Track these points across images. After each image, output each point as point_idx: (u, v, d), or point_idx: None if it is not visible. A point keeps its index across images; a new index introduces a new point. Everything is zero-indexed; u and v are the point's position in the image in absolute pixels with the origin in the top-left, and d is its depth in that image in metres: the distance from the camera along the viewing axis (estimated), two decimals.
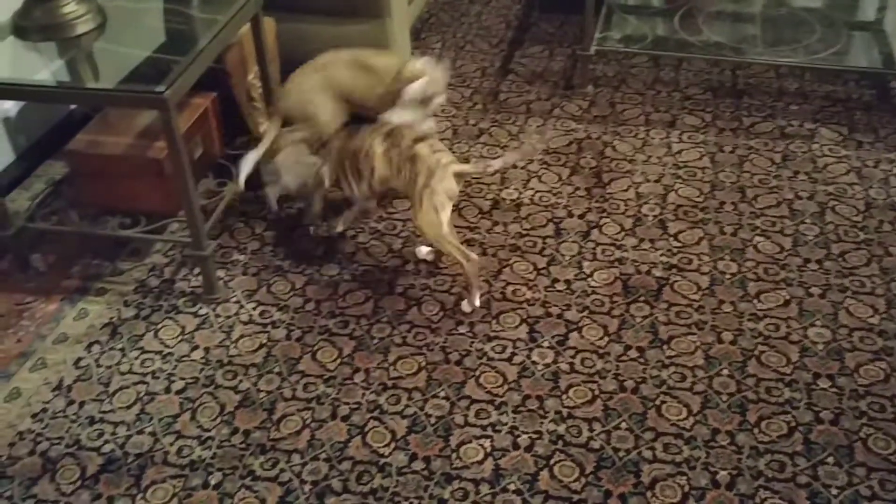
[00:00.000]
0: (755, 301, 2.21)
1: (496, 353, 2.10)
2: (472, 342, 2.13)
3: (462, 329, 2.16)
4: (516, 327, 2.16)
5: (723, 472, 1.81)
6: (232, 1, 2.27)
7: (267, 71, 2.52)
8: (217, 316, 2.23)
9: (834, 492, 1.76)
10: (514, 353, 2.09)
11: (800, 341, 2.10)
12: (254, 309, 2.25)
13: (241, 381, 2.05)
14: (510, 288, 2.28)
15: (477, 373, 2.05)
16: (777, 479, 1.79)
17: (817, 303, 2.20)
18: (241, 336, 2.17)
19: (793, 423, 1.90)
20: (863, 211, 2.49)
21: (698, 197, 2.57)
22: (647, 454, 1.85)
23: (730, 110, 2.96)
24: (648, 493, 1.77)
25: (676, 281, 2.28)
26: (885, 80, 3.09)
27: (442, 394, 2.00)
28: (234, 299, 2.28)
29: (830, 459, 1.82)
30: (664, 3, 3.53)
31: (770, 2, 3.48)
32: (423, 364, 2.08)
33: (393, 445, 1.89)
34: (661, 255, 2.37)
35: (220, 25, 2.20)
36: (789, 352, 2.07)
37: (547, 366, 2.06)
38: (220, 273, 2.35)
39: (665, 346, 2.10)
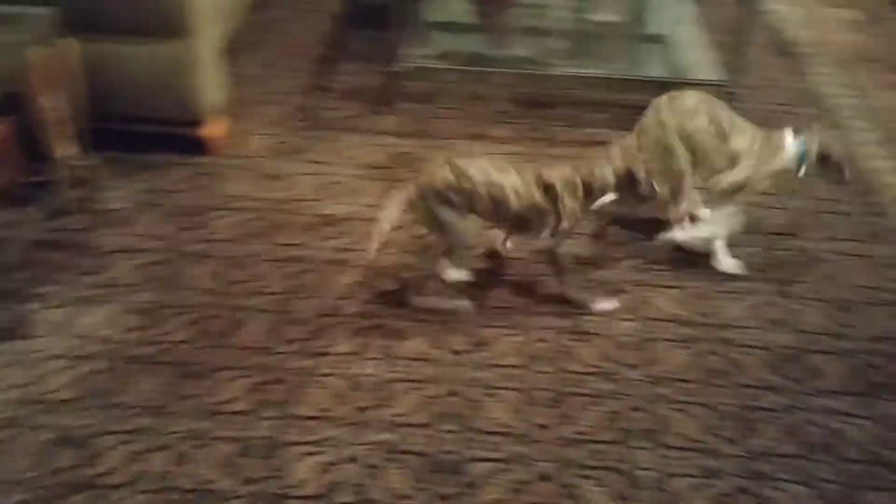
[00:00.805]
0: (568, 300, 2.33)
1: (324, 368, 2.10)
2: (300, 359, 2.12)
3: (289, 347, 2.16)
4: (343, 341, 2.18)
5: (546, 465, 1.89)
6: (27, 22, 2.18)
7: (69, 94, 2.42)
8: (26, 353, 2.11)
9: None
10: (342, 367, 2.10)
11: (609, 335, 2.23)
12: (67, 342, 2.14)
13: (56, 418, 1.95)
14: (335, 302, 2.29)
15: (305, 390, 2.04)
16: (596, 467, 1.89)
17: (627, 299, 2.35)
18: (55, 371, 2.07)
19: (607, 412, 2.02)
20: None
21: None
22: (474, 454, 1.91)
23: (538, 122, 3.10)
24: (478, 492, 1.83)
25: (496, 285, 2.37)
26: (674, 88, 3.32)
27: (270, 414, 1.98)
28: (44, 334, 2.17)
29: (637, 441, 1.95)
30: (477, 20, 3.65)
31: (573, 17, 3.67)
32: (250, 385, 2.05)
33: (222, 470, 1.85)
34: (481, 262, 2.45)
35: (15, 47, 2.09)
36: (601, 345, 2.20)
37: (375, 376, 2.09)
38: (28, 307, 2.23)
39: (486, 348, 2.17)
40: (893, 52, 3.66)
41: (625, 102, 3.23)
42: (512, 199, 2.17)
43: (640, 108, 3.18)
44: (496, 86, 3.29)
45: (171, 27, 2.58)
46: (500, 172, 2.18)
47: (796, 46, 3.67)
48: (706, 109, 2.42)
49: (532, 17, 3.62)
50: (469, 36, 3.51)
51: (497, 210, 2.18)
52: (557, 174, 2.22)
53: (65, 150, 2.55)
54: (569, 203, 2.21)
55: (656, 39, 3.57)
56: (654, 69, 3.39)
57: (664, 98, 2.49)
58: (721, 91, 3.04)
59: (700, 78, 3.22)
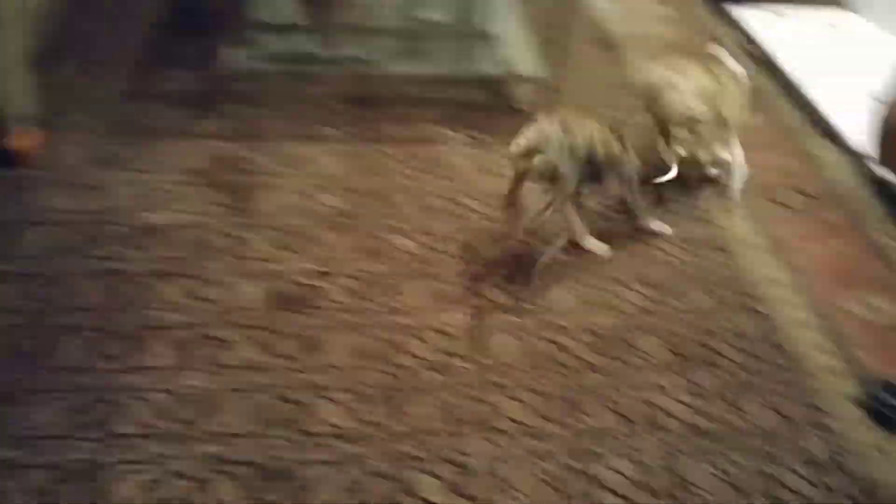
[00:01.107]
0: (400, 296, 2.34)
1: (147, 383, 2.02)
2: (120, 376, 2.03)
3: (108, 364, 2.06)
4: (166, 354, 2.10)
5: (379, 463, 1.89)
6: None
7: None
8: None
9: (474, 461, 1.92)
10: (165, 381, 2.03)
11: (440, 328, 2.25)
12: None
13: None
14: (158, 314, 2.21)
15: (127, 406, 1.96)
16: (429, 460, 1.91)
17: (453, 291, 2.38)
18: None
19: (439, 404, 2.04)
20: (483, 200, 2.72)
21: (344, 205, 2.66)
22: (306, 458, 1.88)
23: (369, 120, 3.10)
24: (310, 495, 1.81)
25: (327, 287, 2.35)
26: (501, 84, 3.40)
27: (90, 435, 1.89)
28: None
29: (469, 431, 1.98)
30: (304, 20, 3.61)
31: (400, 15, 3.69)
32: (67, 407, 1.95)
33: (38, 500, 1.75)
34: (311, 264, 2.42)
35: None
36: (431, 339, 2.21)
37: (201, 388, 2.02)
38: None
39: (318, 351, 2.15)
40: (703, 44, 3.86)
41: (454, 99, 3.28)
42: (599, 149, 2.40)
43: (468, 105, 3.25)
44: (325, 86, 3.26)
45: None
46: (584, 123, 2.40)
47: (615, 40, 3.83)
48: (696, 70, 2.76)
49: (360, 16, 3.62)
50: (297, 36, 3.46)
51: (590, 160, 2.40)
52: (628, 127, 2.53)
53: None
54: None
55: (483, 36, 3.63)
56: (481, 66, 3.44)
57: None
58: (544, 86, 3.15)
59: (525, 74, 3.30)
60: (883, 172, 3.04)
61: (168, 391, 2.01)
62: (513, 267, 2.48)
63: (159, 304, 2.24)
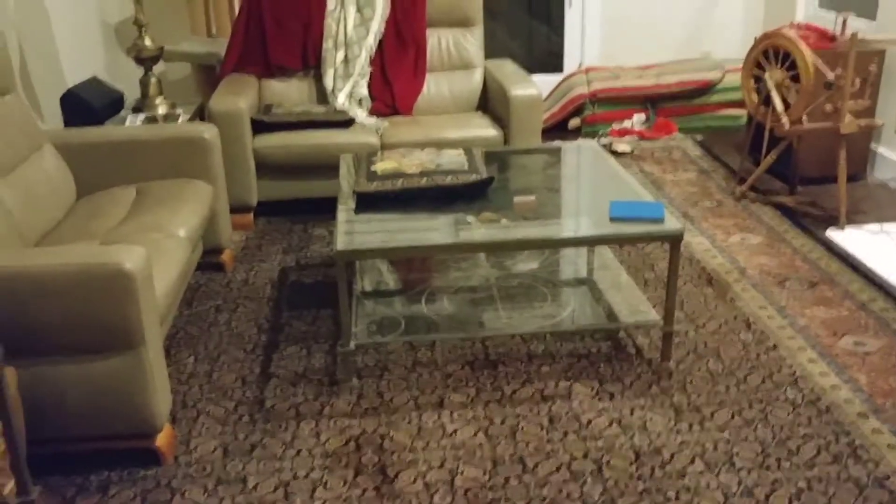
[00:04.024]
0: None
1: None
2: None
3: None
4: None
5: None
6: None
7: (6, 425, 2.27)
8: None
9: None
10: None
11: None
12: None
13: None
14: None
15: None
16: None
17: None
18: None
19: None
20: (635, 461, 2.63)
21: (484, 476, 2.59)
22: None
23: (490, 382, 3.08)
24: None
25: None
26: (615, 332, 3.39)
27: None
28: None
29: None
30: (403, 285, 3.71)
31: (500, 275, 3.76)
32: None
33: None
34: None
35: None
36: None
37: None
38: None
39: None
40: (796, 268, 3.86)
41: (572, 352, 3.26)
42: None
43: (585, 356, 3.23)
44: (441, 350, 3.29)
45: (120, 338, 2.50)
46: None
47: (717, 274, 3.84)
48: None
49: (460, 277, 3.72)
50: (406, 303, 3.54)
51: None
52: None
53: (1, 485, 2.37)
54: None
55: (583, 283, 3.68)
56: (587, 316, 3.44)
57: None
58: (657, 329, 3.12)
59: (637, 320, 3.29)
60: None
61: None
62: None
63: None
